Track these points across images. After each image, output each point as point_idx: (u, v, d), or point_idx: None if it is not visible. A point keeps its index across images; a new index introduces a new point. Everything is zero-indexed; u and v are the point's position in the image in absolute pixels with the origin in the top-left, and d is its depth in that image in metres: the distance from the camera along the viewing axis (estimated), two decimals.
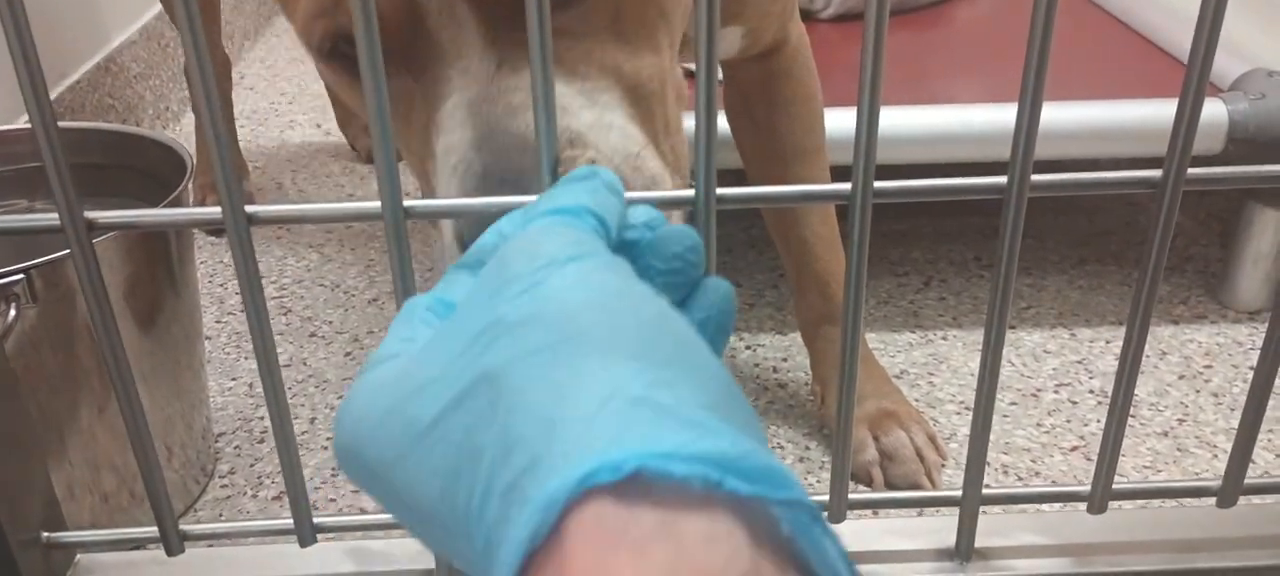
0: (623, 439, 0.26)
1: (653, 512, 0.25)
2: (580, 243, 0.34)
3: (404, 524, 0.34)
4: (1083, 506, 0.60)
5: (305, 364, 1.12)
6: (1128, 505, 0.63)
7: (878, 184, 0.49)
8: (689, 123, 0.54)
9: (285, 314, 1.22)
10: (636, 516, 0.25)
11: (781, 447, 0.97)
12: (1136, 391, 0.58)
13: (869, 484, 0.91)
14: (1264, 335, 0.55)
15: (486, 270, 0.34)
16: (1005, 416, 1.00)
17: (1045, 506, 0.64)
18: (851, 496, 0.59)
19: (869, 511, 0.84)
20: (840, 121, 0.89)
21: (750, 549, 0.25)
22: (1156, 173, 0.50)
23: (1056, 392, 1.04)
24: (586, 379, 0.28)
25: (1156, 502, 0.64)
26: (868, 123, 0.47)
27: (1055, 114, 1.03)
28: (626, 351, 0.29)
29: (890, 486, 0.91)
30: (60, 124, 0.47)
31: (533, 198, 0.47)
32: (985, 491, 0.59)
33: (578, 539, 0.25)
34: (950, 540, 0.61)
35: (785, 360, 1.09)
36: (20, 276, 0.72)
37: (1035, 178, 0.49)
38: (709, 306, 0.39)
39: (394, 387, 0.33)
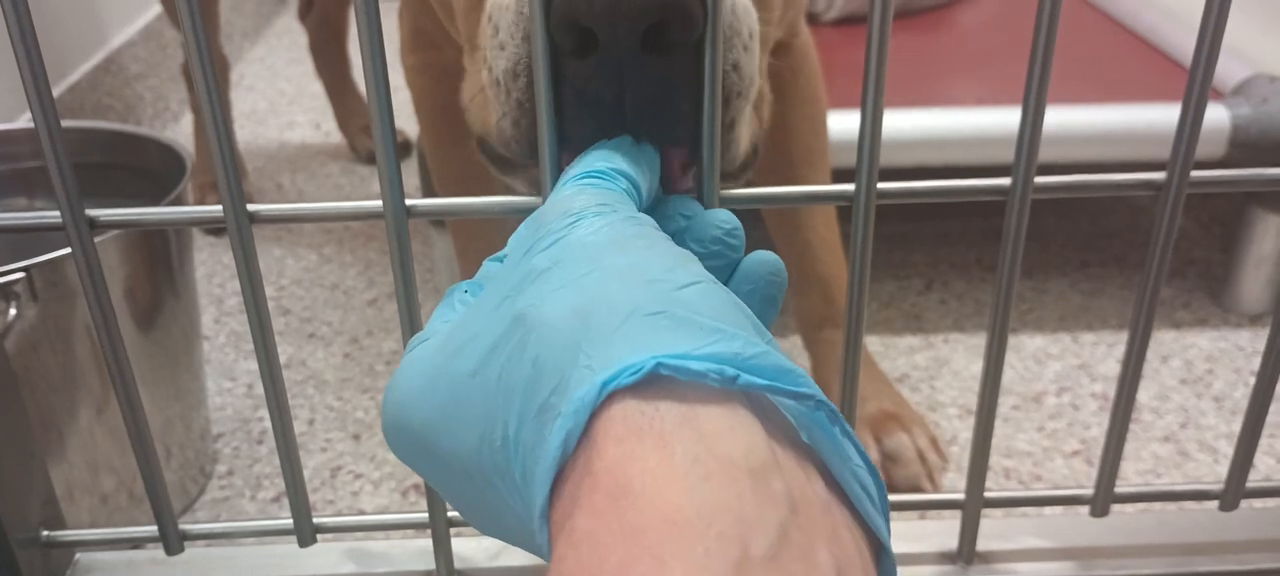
0: (642, 344, 0.28)
1: (675, 407, 0.26)
2: (608, 200, 0.36)
3: (447, 494, 0.35)
4: (1085, 510, 0.60)
5: (304, 364, 1.12)
6: (1130, 509, 0.62)
7: (881, 185, 0.49)
8: None
9: (284, 314, 1.22)
10: (660, 411, 0.26)
11: None
12: (1138, 395, 0.58)
13: None
14: (1266, 339, 0.55)
15: (521, 230, 0.36)
16: (1007, 420, 1.00)
17: (1047, 510, 0.64)
18: None
19: None
20: (843, 124, 0.89)
21: (768, 441, 0.27)
22: (1159, 175, 0.50)
23: (1058, 396, 1.04)
24: (608, 302, 0.29)
25: (1158, 506, 0.64)
26: (871, 125, 0.47)
27: (1058, 117, 1.03)
28: (645, 278, 0.30)
29: (892, 488, 0.90)
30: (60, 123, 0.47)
31: (535, 199, 0.47)
32: (987, 494, 0.59)
33: (605, 436, 0.26)
34: (952, 543, 0.61)
35: None
36: (20, 275, 0.72)
37: (1038, 179, 0.49)
38: (754, 279, 0.40)
39: (436, 355, 0.34)
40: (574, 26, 0.39)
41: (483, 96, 0.49)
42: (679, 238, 0.40)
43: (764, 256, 0.40)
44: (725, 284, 0.39)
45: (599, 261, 0.31)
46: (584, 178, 0.38)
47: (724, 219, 0.40)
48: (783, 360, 0.29)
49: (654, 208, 0.41)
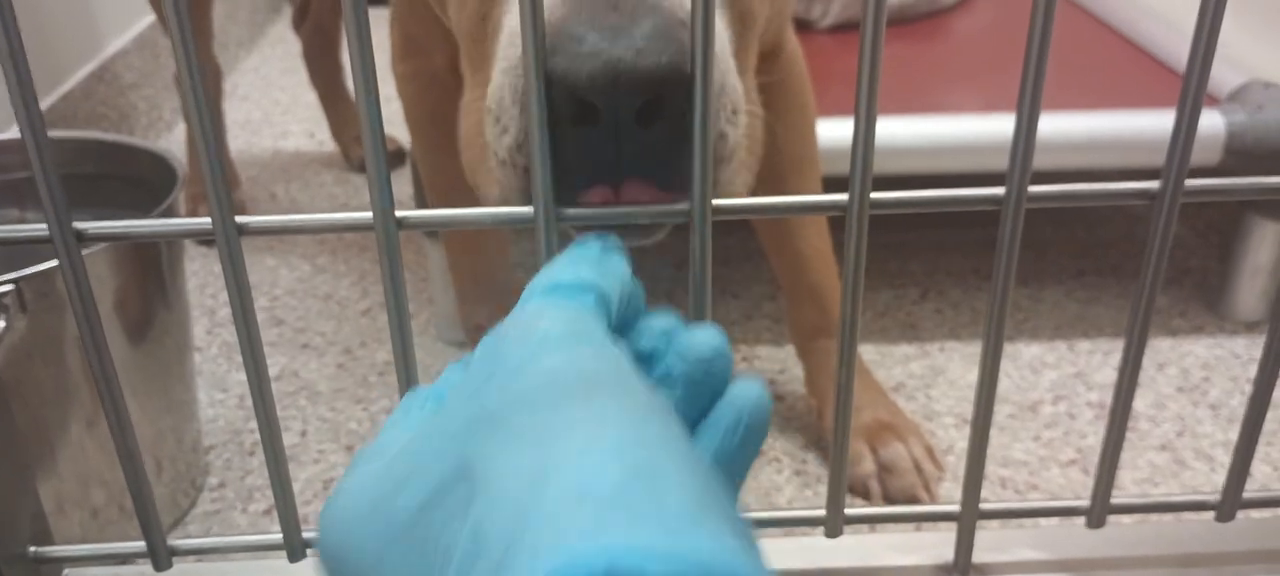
0: (595, 534, 0.25)
1: None
2: (575, 326, 0.33)
3: None
4: (1081, 520, 0.60)
5: (297, 375, 1.11)
6: (1126, 519, 0.62)
7: (875, 195, 0.48)
8: None
9: (277, 325, 1.21)
10: None
11: (778, 460, 0.96)
12: (1135, 404, 0.58)
13: (866, 497, 0.91)
14: (1262, 347, 0.55)
15: (480, 351, 0.33)
16: (1003, 429, 1.00)
17: (1043, 521, 0.63)
18: (848, 511, 0.58)
19: (866, 526, 0.83)
20: (837, 131, 0.89)
21: None
22: (1154, 183, 0.50)
23: (1054, 405, 1.03)
24: (562, 471, 0.27)
25: (1155, 517, 0.64)
26: (865, 132, 0.46)
27: (1053, 124, 1.03)
28: (607, 444, 0.28)
29: (888, 499, 0.90)
30: (51, 133, 0.47)
31: (526, 210, 0.47)
32: (983, 505, 0.58)
33: None
34: (948, 555, 0.61)
35: (782, 372, 1.09)
36: (10, 287, 0.71)
37: (1033, 188, 0.49)
38: (739, 410, 0.36)
39: (380, 482, 0.32)
40: (573, 99, 0.42)
41: (487, 173, 0.52)
42: (657, 357, 0.37)
43: (750, 386, 0.37)
44: (706, 410, 0.37)
45: (558, 414, 0.29)
46: (550, 292, 0.35)
47: (708, 338, 0.37)
48: (751, 563, 0.26)
49: (631, 321, 0.38)
